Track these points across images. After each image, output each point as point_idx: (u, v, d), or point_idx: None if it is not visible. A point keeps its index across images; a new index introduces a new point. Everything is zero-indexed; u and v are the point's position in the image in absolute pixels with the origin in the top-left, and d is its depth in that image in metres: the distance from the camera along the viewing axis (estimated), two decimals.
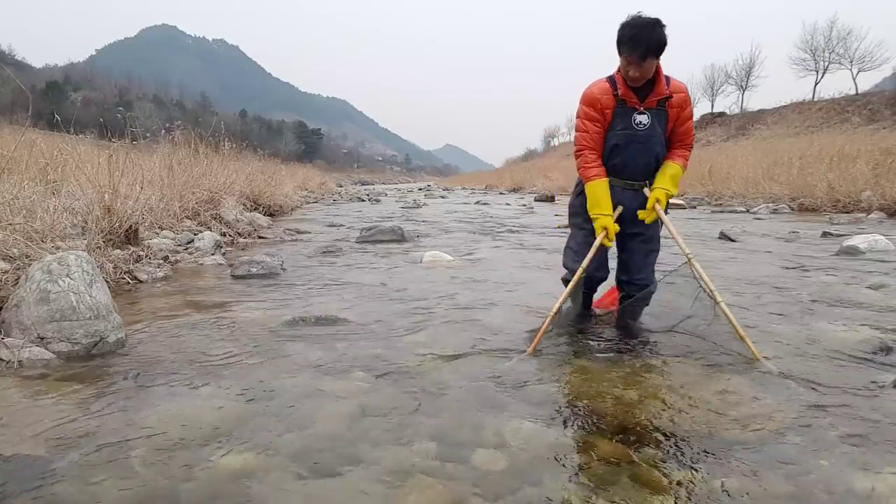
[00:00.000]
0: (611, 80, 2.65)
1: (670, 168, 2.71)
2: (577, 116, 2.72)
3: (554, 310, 2.65)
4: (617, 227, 2.66)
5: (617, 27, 2.51)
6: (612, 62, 2.68)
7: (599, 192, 2.67)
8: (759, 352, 2.45)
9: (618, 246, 2.84)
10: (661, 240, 2.89)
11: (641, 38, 2.42)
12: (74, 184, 5.18)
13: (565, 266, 2.98)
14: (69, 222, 4.25)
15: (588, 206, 2.70)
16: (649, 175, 2.73)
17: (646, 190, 2.72)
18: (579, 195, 2.87)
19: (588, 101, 2.65)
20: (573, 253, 2.89)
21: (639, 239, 2.81)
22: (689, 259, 2.64)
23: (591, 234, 2.73)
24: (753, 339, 2.51)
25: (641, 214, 2.70)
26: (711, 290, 2.55)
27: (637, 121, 2.62)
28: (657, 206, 2.66)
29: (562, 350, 2.63)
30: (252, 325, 2.99)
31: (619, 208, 2.71)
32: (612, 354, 2.57)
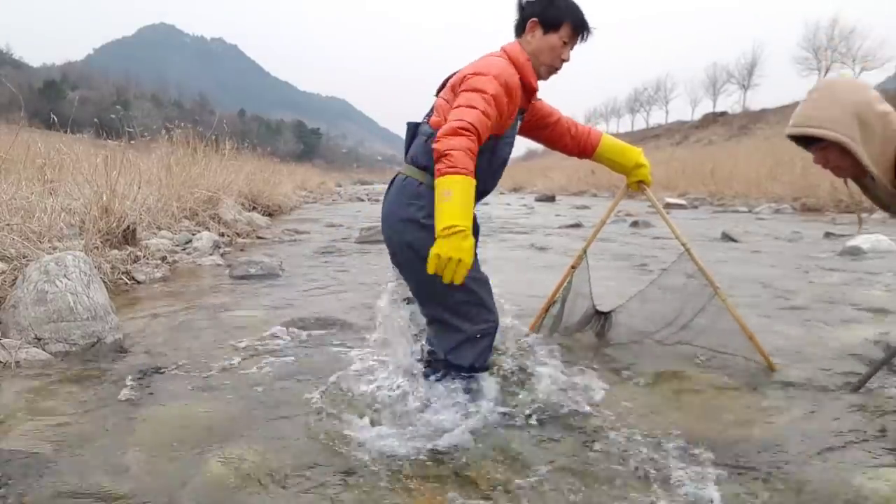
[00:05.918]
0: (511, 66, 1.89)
1: (607, 139, 2.30)
2: (484, 92, 1.76)
3: (553, 291, 2.51)
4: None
5: None
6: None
7: (472, 195, 1.69)
8: (769, 355, 2.41)
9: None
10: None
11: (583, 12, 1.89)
12: (72, 184, 5.15)
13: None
14: (66, 222, 4.22)
15: (450, 215, 1.62)
16: None
17: None
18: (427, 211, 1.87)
19: (507, 87, 1.81)
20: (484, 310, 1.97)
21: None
22: (687, 248, 2.44)
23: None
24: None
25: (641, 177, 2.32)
26: (716, 288, 2.42)
27: (517, 126, 1.98)
28: (647, 189, 2.41)
29: (566, 354, 2.61)
30: (250, 326, 2.96)
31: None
32: (608, 358, 2.54)
